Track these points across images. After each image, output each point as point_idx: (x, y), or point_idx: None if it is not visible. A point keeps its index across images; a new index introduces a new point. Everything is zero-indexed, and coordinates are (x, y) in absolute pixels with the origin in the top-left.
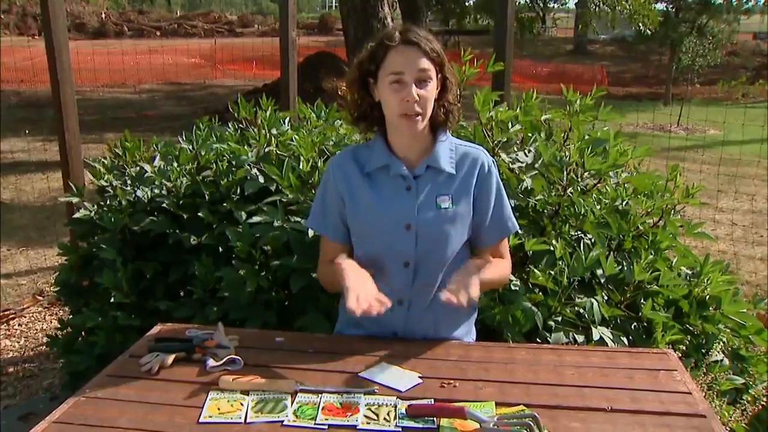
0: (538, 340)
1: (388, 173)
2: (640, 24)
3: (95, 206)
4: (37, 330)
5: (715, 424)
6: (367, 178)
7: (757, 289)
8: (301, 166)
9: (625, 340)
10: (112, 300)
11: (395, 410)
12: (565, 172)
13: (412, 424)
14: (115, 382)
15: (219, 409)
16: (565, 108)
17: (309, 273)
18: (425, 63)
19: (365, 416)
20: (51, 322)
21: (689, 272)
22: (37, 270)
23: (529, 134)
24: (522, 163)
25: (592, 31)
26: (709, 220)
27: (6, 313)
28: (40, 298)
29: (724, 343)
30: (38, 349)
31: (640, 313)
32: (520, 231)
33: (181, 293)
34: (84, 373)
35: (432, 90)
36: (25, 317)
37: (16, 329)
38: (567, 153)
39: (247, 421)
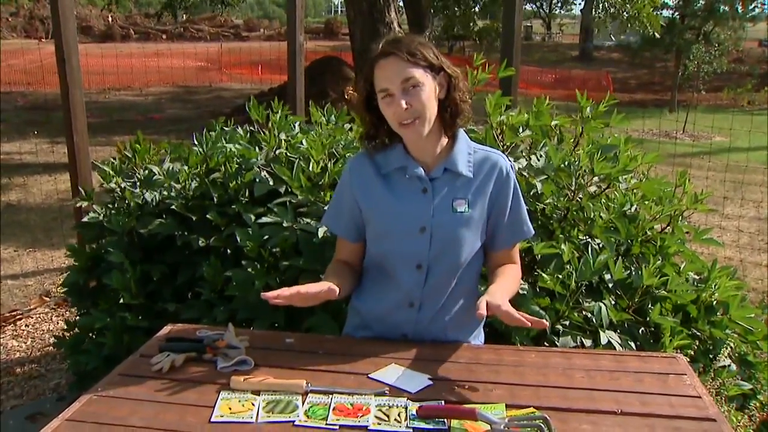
0: (545, 343)
1: (405, 175)
2: (648, 26)
3: (104, 209)
4: (43, 331)
5: (725, 428)
6: (383, 179)
7: (763, 295)
8: (311, 168)
9: (632, 344)
10: (120, 301)
11: (406, 411)
12: (574, 177)
13: (422, 425)
14: (127, 381)
15: (230, 408)
16: (575, 114)
17: (318, 274)
18: (407, 72)
19: (376, 417)
20: (58, 323)
21: (697, 278)
22: (44, 271)
23: (539, 139)
24: (532, 167)
25: (606, 35)
26: (716, 226)
27: (13, 313)
28: (47, 299)
29: (731, 348)
30: (45, 349)
31: (647, 318)
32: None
33: (189, 295)
34: (91, 374)
35: (427, 94)
36: (32, 318)
37: (23, 330)
38: (576, 158)
39: (259, 421)
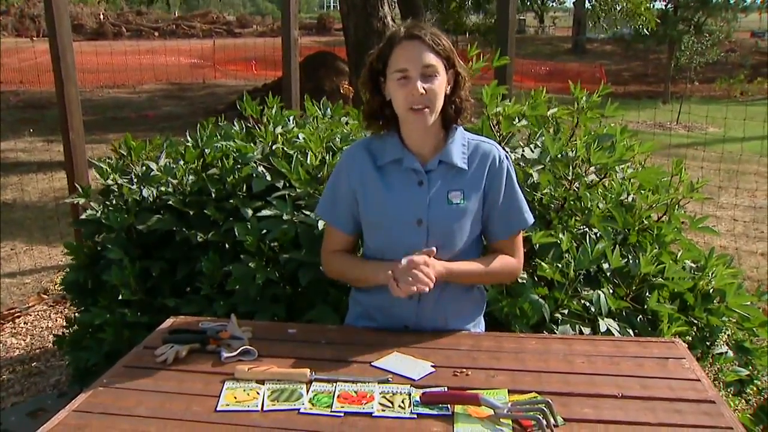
0: (545, 332)
1: (401, 167)
2: (640, 24)
3: (101, 206)
4: (42, 328)
5: (725, 409)
6: (379, 170)
7: (759, 284)
8: (309, 161)
9: (631, 332)
10: (120, 297)
11: (409, 398)
12: (571, 167)
13: (426, 411)
14: (132, 372)
15: (236, 398)
16: (570, 105)
17: (317, 267)
18: (430, 58)
19: (380, 404)
20: (56, 320)
21: (694, 266)
22: (42, 269)
23: (536, 129)
24: (529, 158)
25: (601, 28)
26: (711, 216)
27: (11, 311)
28: (45, 296)
29: (728, 335)
30: (44, 347)
31: (645, 306)
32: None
33: (188, 290)
34: (91, 370)
35: (440, 84)
36: (31, 315)
37: (22, 327)
38: (573, 148)
39: (264, 409)
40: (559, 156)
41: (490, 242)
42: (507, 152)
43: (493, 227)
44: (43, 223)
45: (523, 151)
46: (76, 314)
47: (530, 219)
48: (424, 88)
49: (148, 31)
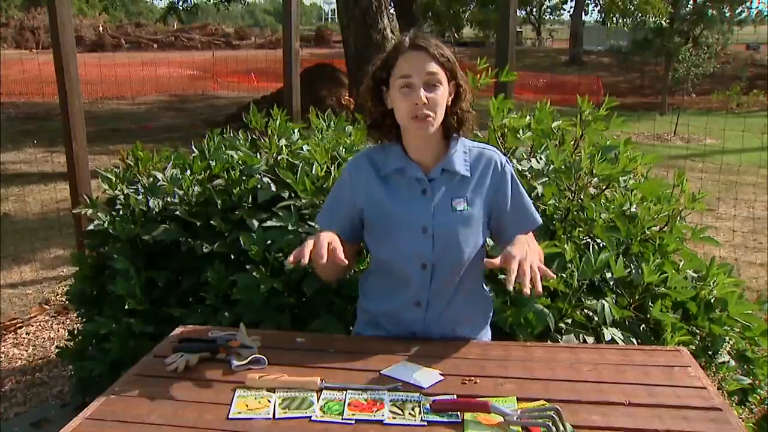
0: (549, 341)
1: (404, 176)
2: (654, 17)
3: (108, 216)
4: (44, 339)
5: (731, 416)
6: (382, 180)
7: (758, 294)
8: (314, 172)
9: (634, 341)
10: (126, 307)
11: (419, 405)
12: (574, 178)
13: (437, 418)
14: (143, 381)
15: (247, 405)
16: (573, 116)
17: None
18: (433, 67)
19: (391, 411)
20: (58, 330)
21: (695, 275)
22: (43, 279)
23: (541, 142)
24: (533, 169)
25: (621, 24)
26: (710, 227)
27: (13, 322)
28: (47, 307)
29: (731, 344)
30: (46, 357)
31: (648, 315)
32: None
33: (191, 299)
34: (95, 380)
35: (443, 95)
36: (32, 326)
37: (24, 338)
38: (577, 159)
39: (276, 417)
40: (563, 167)
41: (503, 245)
42: (506, 156)
43: (507, 231)
44: (44, 233)
45: (530, 162)
46: (79, 325)
47: (539, 219)
48: (426, 97)
49: (146, 42)
